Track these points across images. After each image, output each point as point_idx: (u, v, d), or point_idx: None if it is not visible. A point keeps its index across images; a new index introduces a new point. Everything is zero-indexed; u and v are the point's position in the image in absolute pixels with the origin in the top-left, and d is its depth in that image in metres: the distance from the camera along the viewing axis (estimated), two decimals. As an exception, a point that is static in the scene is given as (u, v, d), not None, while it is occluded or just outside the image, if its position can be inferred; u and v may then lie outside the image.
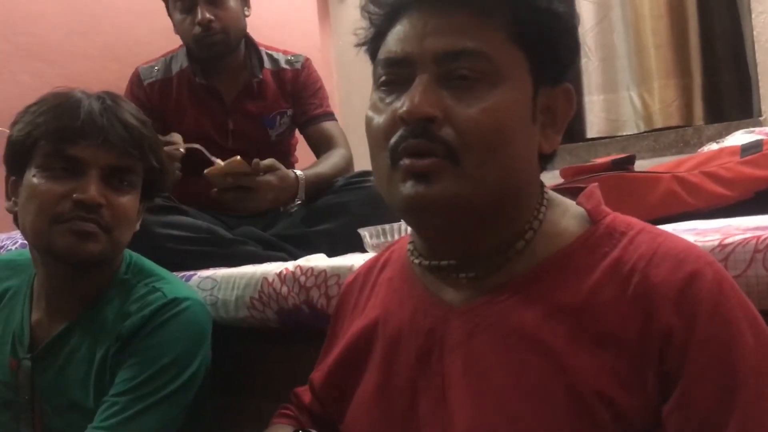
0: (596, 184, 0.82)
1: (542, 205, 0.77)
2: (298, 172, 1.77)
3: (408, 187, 0.72)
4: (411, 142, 0.71)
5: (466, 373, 0.74)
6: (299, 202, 1.75)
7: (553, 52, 0.75)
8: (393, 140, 0.73)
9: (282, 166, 1.74)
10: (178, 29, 1.95)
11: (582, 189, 0.82)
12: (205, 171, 1.64)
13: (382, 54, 0.77)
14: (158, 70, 1.99)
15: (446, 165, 0.70)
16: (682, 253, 0.69)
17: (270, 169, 1.71)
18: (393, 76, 0.75)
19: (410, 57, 0.73)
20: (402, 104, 0.72)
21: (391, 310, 0.84)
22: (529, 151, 0.75)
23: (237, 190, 1.67)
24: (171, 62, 2.00)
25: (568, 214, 0.78)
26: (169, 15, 1.98)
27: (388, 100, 0.75)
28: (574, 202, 0.80)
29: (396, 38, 0.75)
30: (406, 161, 0.72)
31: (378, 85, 0.77)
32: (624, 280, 0.69)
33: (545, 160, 0.80)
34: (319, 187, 1.80)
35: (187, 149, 1.69)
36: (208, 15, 1.86)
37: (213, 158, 1.68)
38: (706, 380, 0.64)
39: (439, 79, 0.72)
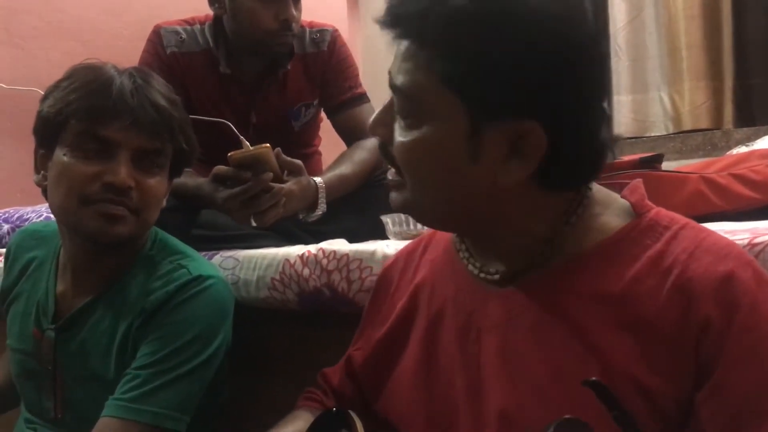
0: (640, 179, 0.83)
1: (579, 204, 0.77)
2: (318, 181, 1.56)
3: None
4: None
5: (501, 354, 0.76)
6: (320, 213, 1.56)
7: (492, 93, 0.69)
8: None
9: (305, 172, 1.53)
10: (249, 17, 1.72)
11: (625, 185, 0.82)
12: (229, 154, 1.40)
13: None
14: (182, 41, 1.79)
15: (401, 180, 0.77)
16: (724, 249, 0.70)
17: (293, 170, 1.50)
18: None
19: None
20: None
21: (434, 289, 0.87)
22: (471, 188, 0.73)
23: (247, 197, 1.41)
24: (197, 35, 1.81)
25: (611, 208, 0.79)
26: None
27: None
28: (618, 196, 0.81)
29: None
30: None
31: None
32: (665, 271, 0.70)
33: (554, 186, 0.75)
34: (343, 189, 1.64)
35: (212, 123, 1.47)
36: (296, 14, 1.73)
37: (241, 138, 1.42)
38: (742, 370, 0.64)
39: (395, 104, 0.77)
